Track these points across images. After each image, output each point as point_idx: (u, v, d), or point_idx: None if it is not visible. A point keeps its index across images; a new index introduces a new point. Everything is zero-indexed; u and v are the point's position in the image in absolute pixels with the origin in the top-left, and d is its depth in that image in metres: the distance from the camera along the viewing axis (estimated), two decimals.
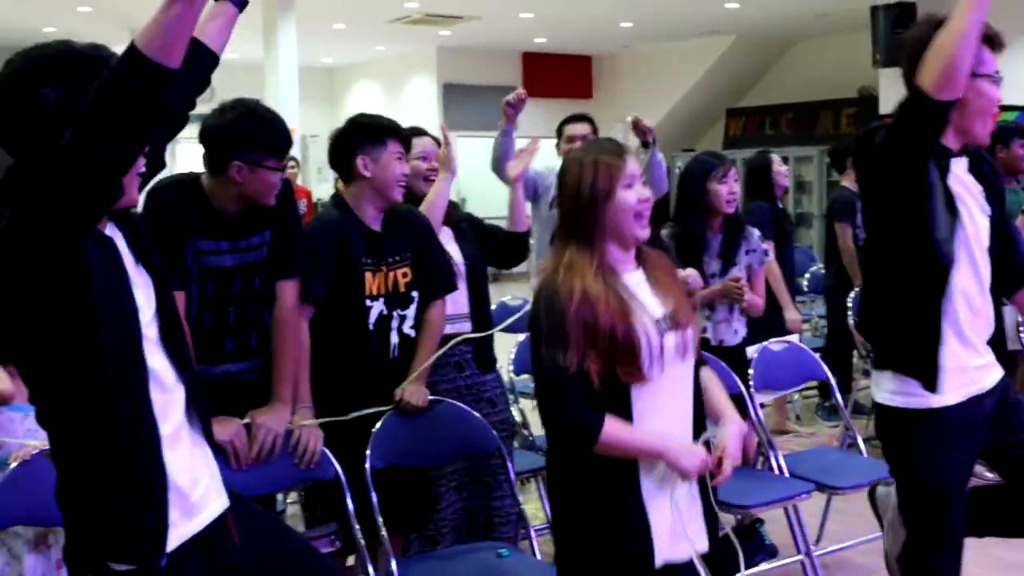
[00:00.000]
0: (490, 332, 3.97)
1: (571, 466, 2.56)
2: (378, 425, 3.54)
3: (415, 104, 17.84)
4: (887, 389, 3.08)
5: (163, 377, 2.13)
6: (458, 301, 3.93)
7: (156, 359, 2.12)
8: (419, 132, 4.13)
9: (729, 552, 2.69)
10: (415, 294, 3.69)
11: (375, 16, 14.15)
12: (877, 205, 3.09)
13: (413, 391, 3.58)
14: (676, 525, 2.52)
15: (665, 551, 2.51)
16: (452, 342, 3.78)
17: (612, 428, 2.44)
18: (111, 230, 2.10)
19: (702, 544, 2.61)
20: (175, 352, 2.18)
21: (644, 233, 2.59)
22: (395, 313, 3.64)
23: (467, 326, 3.95)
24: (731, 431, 2.62)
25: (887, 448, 3.16)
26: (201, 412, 2.25)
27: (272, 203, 3.26)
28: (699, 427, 2.63)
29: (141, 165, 2.08)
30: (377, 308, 3.60)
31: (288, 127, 3.29)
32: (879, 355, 3.14)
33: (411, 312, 3.68)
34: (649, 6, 13.59)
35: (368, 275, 3.58)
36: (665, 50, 16.98)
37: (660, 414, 2.53)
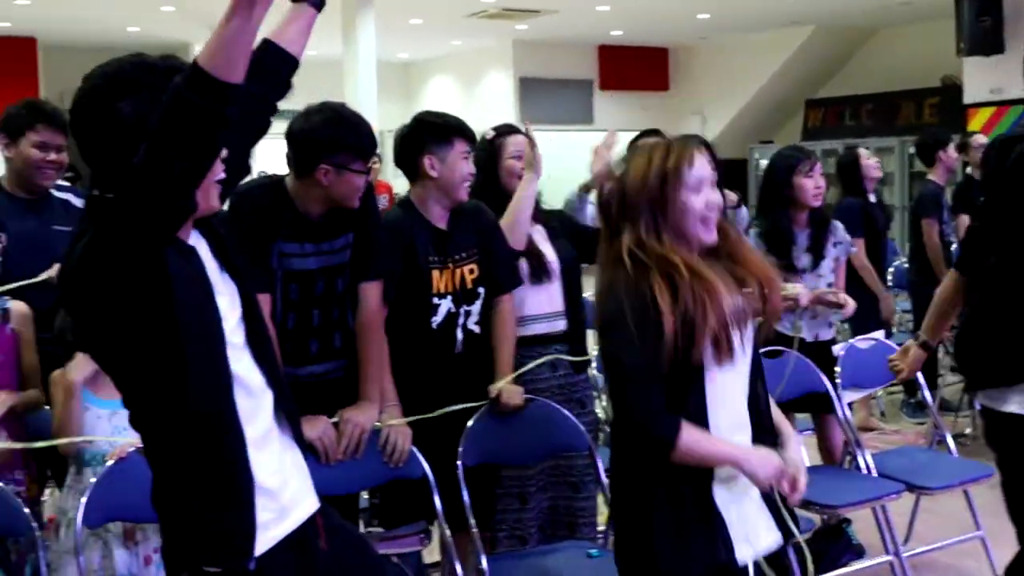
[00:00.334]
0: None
1: (642, 466, 2.48)
2: (470, 423, 3.57)
3: (491, 98, 17.89)
4: (1018, 402, 3.03)
5: (249, 381, 2.16)
6: (553, 299, 3.92)
7: (242, 364, 2.15)
8: (513, 130, 4.08)
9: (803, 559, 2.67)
10: (481, 290, 3.72)
11: (452, 11, 14.20)
12: (1010, 219, 3.02)
13: (511, 391, 3.62)
14: (746, 528, 2.50)
15: (739, 553, 2.47)
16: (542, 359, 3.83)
17: (689, 436, 2.37)
18: (195, 238, 2.14)
19: (770, 543, 2.56)
20: (262, 357, 2.21)
21: (710, 237, 2.49)
22: (462, 310, 3.67)
23: (562, 323, 3.95)
24: (796, 447, 2.61)
25: (1012, 459, 3.11)
26: (290, 414, 2.28)
27: (356, 206, 3.29)
28: (756, 422, 2.57)
29: (220, 172, 2.10)
30: (445, 305, 3.64)
31: (372, 128, 3.32)
32: (1010, 369, 3.08)
33: (476, 308, 3.71)
34: None
35: (435, 273, 3.61)
36: (743, 41, 16.83)
37: (725, 404, 2.48)
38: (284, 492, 2.20)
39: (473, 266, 3.69)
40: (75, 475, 3.40)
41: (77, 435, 3.33)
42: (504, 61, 17.63)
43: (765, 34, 16.29)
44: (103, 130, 1.98)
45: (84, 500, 3.09)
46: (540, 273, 3.90)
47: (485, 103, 17.95)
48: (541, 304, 3.88)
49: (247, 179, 3.50)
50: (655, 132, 5.15)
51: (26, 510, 3.09)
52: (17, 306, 3.43)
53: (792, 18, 15.02)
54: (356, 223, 3.35)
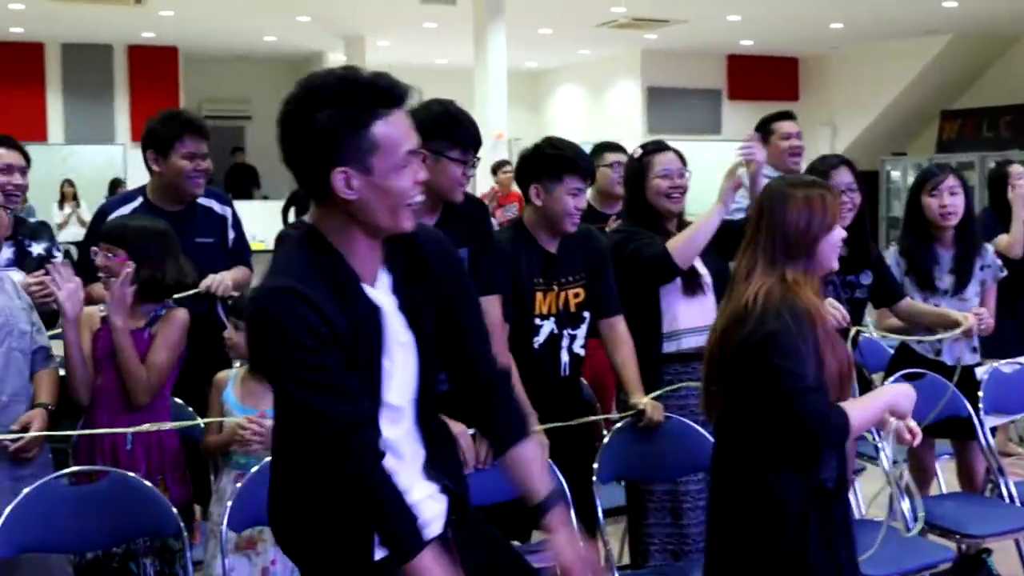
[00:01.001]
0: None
1: (790, 479, 2.72)
2: (607, 439, 3.59)
3: (618, 107, 17.87)
4: None
5: (400, 448, 2.19)
6: (706, 312, 3.84)
7: (397, 429, 2.19)
8: (661, 148, 4.01)
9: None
10: (587, 314, 3.73)
11: (582, 21, 14.24)
12: None
13: (655, 407, 3.63)
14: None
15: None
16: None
17: (853, 414, 2.66)
18: (382, 281, 2.17)
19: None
20: (425, 417, 2.27)
21: (836, 266, 2.85)
22: (565, 332, 3.68)
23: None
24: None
25: None
26: (442, 468, 2.30)
27: (459, 199, 3.30)
28: None
29: (415, 194, 2.13)
30: (547, 327, 3.65)
31: (478, 127, 3.34)
32: None
33: (581, 332, 3.72)
34: (861, 6, 13.25)
35: (539, 295, 3.63)
36: (876, 50, 16.50)
37: None
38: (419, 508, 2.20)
39: (579, 290, 3.70)
40: (217, 480, 3.52)
41: (218, 434, 3.46)
42: (632, 70, 17.59)
43: (899, 43, 15.95)
44: (300, 137, 2.04)
45: (229, 504, 3.18)
46: (693, 286, 3.87)
47: (612, 112, 17.94)
48: (693, 317, 3.84)
49: None
50: (789, 115, 5.14)
51: (175, 511, 3.19)
52: (172, 311, 3.53)
53: (929, 27, 14.69)
54: (474, 239, 3.39)
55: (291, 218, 13.96)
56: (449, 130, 3.23)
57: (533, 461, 2.35)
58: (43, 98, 16.18)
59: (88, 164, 16.25)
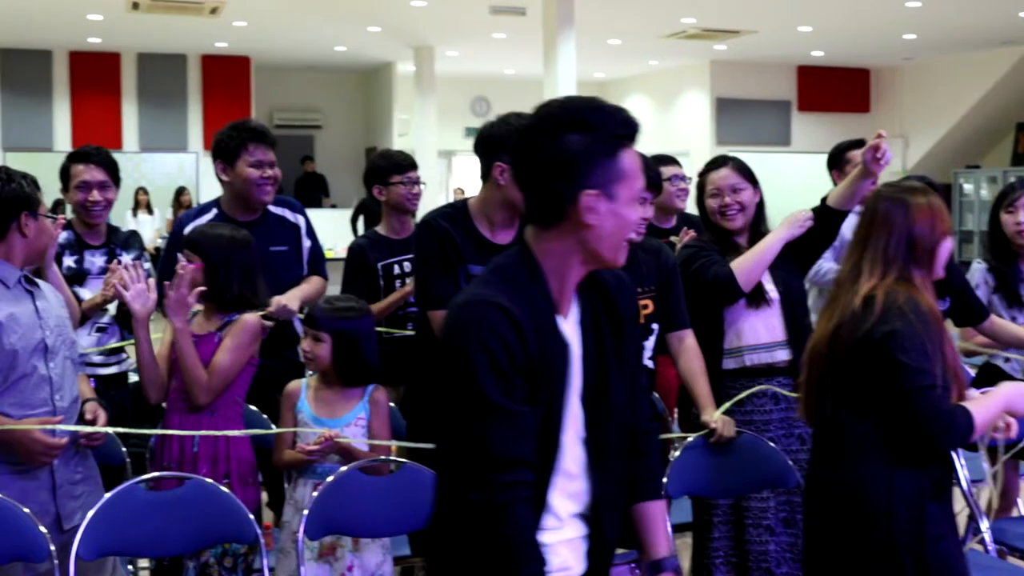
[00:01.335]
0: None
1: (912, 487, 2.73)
2: (676, 454, 3.58)
3: (687, 119, 17.80)
4: None
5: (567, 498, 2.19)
6: (772, 327, 3.82)
7: (568, 458, 2.18)
8: (716, 165, 3.96)
9: None
10: (655, 327, 3.72)
11: (651, 31, 14.21)
12: None
13: (727, 422, 3.61)
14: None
15: None
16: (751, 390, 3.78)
17: (976, 412, 2.69)
18: (573, 317, 2.18)
19: None
20: (598, 450, 2.23)
21: (943, 274, 2.91)
22: None
23: (783, 353, 3.83)
24: None
25: None
26: (598, 472, 2.27)
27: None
28: None
29: (633, 230, 2.21)
30: None
31: None
32: None
33: (649, 344, 3.71)
34: (936, 17, 13.08)
35: None
36: (950, 62, 16.28)
37: None
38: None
39: (648, 302, 3.69)
40: (291, 488, 3.55)
41: (290, 446, 3.49)
42: (701, 81, 17.51)
43: (974, 54, 15.73)
44: (549, 158, 2.07)
45: (305, 513, 3.21)
46: (758, 300, 3.83)
47: (680, 123, 17.87)
48: (758, 332, 3.80)
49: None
50: (859, 143, 5.07)
51: (251, 516, 3.23)
52: (243, 317, 3.55)
53: (1005, 38, 14.46)
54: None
55: (360, 227, 14.07)
56: None
57: (661, 520, 2.38)
58: (119, 107, 16.47)
59: (161, 172, 16.54)
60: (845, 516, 2.77)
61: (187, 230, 3.99)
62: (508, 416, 2.00)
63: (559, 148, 2.05)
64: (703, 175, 3.97)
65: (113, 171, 4.24)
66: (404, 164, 4.64)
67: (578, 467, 2.19)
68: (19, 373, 3.04)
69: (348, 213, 14.06)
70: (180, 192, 15.05)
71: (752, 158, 4.06)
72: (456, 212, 3.54)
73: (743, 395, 3.75)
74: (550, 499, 2.13)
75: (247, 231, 3.73)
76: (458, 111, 18.79)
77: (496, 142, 3.36)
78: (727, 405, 3.66)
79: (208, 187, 16.28)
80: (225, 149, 4.13)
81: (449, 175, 19.62)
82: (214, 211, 4.20)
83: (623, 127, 2.09)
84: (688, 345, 3.75)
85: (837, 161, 5.21)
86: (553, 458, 2.11)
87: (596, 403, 2.19)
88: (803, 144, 17.22)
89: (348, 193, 17.96)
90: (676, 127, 17.90)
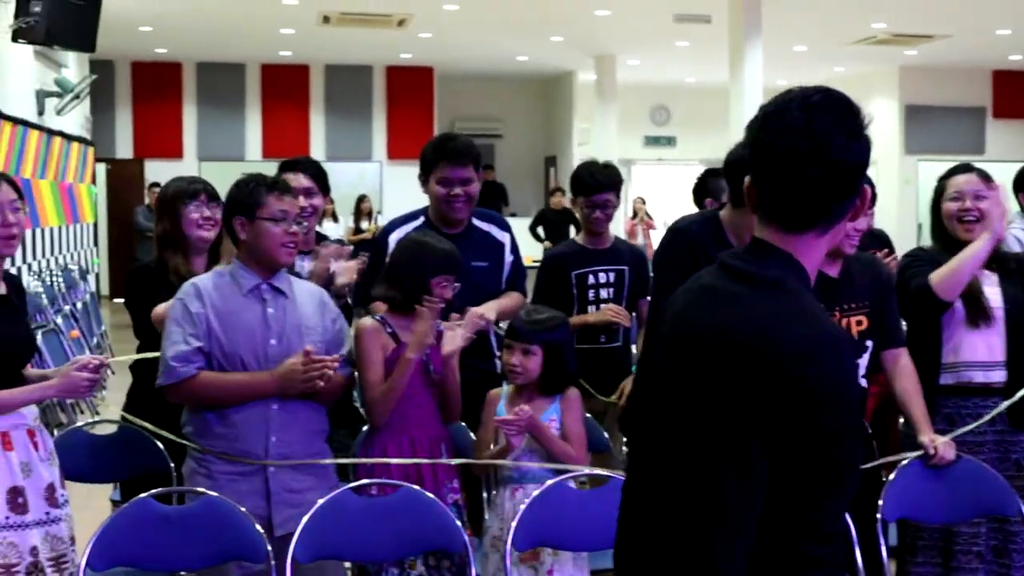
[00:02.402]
0: None
1: None
2: (892, 476, 3.45)
3: (873, 126, 16.94)
4: None
5: None
6: (992, 347, 3.66)
7: None
8: (959, 170, 3.82)
9: None
10: (869, 344, 3.56)
11: (840, 37, 13.90)
12: None
13: (947, 445, 3.47)
14: None
15: None
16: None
17: None
18: None
19: None
20: None
21: None
22: None
23: (1000, 374, 3.67)
24: None
25: None
26: None
27: (848, 251, 3.26)
28: None
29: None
30: None
31: None
32: None
33: (863, 361, 3.56)
34: None
35: None
36: None
37: None
38: None
39: (862, 318, 3.55)
40: (496, 494, 3.56)
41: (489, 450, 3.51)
42: (889, 88, 17.02)
43: None
44: (846, 163, 1.82)
45: (513, 525, 3.21)
46: (977, 317, 3.67)
47: (867, 131, 17.40)
48: (977, 351, 3.64)
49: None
50: None
51: (459, 523, 3.24)
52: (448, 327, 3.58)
53: None
54: None
55: (541, 234, 14.16)
56: None
57: None
58: (307, 117, 16.98)
59: (345, 181, 16.96)
60: None
61: (394, 236, 4.07)
62: (851, 480, 1.76)
63: (858, 154, 1.81)
64: (944, 179, 3.84)
65: (320, 179, 4.33)
66: (604, 184, 4.61)
67: None
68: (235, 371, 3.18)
69: (527, 222, 14.32)
70: (361, 199, 15.41)
71: (944, 168, 3.89)
72: (708, 222, 3.46)
73: (972, 426, 3.58)
74: None
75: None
76: (637, 120, 18.72)
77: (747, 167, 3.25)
78: (961, 431, 3.50)
79: (391, 195, 16.63)
80: (423, 163, 4.18)
81: (629, 184, 19.57)
82: (421, 219, 4.25)
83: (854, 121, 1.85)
84: (903, 364, 3.61)
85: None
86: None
87: None
88: (998, 152, 16.55)
89: (527, 202, 18.11)
90: None
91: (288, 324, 3.27)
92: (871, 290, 3.58)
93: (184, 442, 3.33)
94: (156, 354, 3.36)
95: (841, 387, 1.71)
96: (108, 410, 5.73)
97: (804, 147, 1.79)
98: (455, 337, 3.51)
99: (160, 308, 3.55)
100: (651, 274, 4.55)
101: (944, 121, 16.83)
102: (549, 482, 3.33)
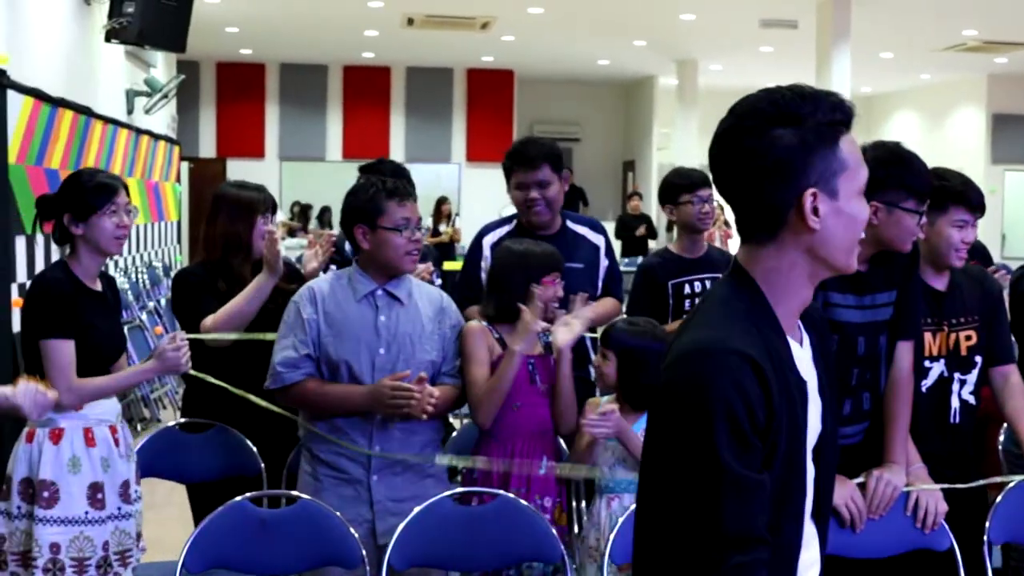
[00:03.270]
0: None
1: None
2: (1000, 498, 3.35)
3: (958, 135, 17.01)
4: None
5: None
6: None
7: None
8: None
9: None
10: (978, 359, 3.46)
11: (928, 44, 13.64)
12: None
13: None
14: None
15: None
16: None
17: None
18: (806, 345, 1.93)
19: None
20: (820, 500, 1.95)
21: None
22: (955, 376, 3.43)
23: None
24: None
25: None
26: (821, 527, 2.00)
27: (908, 249, 3.15)
28: None
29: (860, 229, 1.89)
30: (937, 369, 3.41)
31: (926, 166, 3.15)
32: None
33: (972, 377, 3.46)
34: None
35: (927, 335, 3.39)
36: None
37: None
38: None
39: (971, 333, 3.45)
40: (589, 504, 3.51)
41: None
42: (976, 96, 16.68)
43: None
44: (759, 159, 1.80)
45: (612, 535, 3.16)
46: None
47: (952, 140, 17.11)
48: None
49: None
50: None
51: (557, 537, 3.20)
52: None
53: None
54: (901, 281, 3.22)
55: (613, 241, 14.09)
56: (905, 180, 3.09)
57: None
58: (387, 118, 17.07)
59: (424, 182, 16.95)
60: None
61: (487, 240, 4.10)
62: (748, 487, 1.69)
63: (770, 146, 1.77)
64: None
65: (400, 179, 4.35)
66: (696, 182, 4.54)
67: (807, 529, 1.90)
68: (341, 379, 3.20)
69: (610, 226, 14.25)
70: (441, 202, 15.43)
71: None
72: None
73: None
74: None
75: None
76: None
77: (869, 180, 3.16)
78: None
79: (469, 197, 16.65)
80: (505, 170, 4.18)
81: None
82: (513, 223, 4.23)
83: (837, 111, 1.80)
84: (1013, 381, 3.51)
85: None
86: (800, 527, 1.84)
87: (826, 450, 1.92)
88: None
89: (605, 206, 18.02)
90: (947, 144, 17.10)
91: (400, 333, 3.25)
92: (980, 304, 3.49)
93: (257, 399, 3.48)
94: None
95: (700, 393, 1.69)
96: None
97: (717, 148, 1.83)
98: (572, 327, 3.42)
99: (208, 321, 3.67)
100: None
101: None
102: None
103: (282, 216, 13.36)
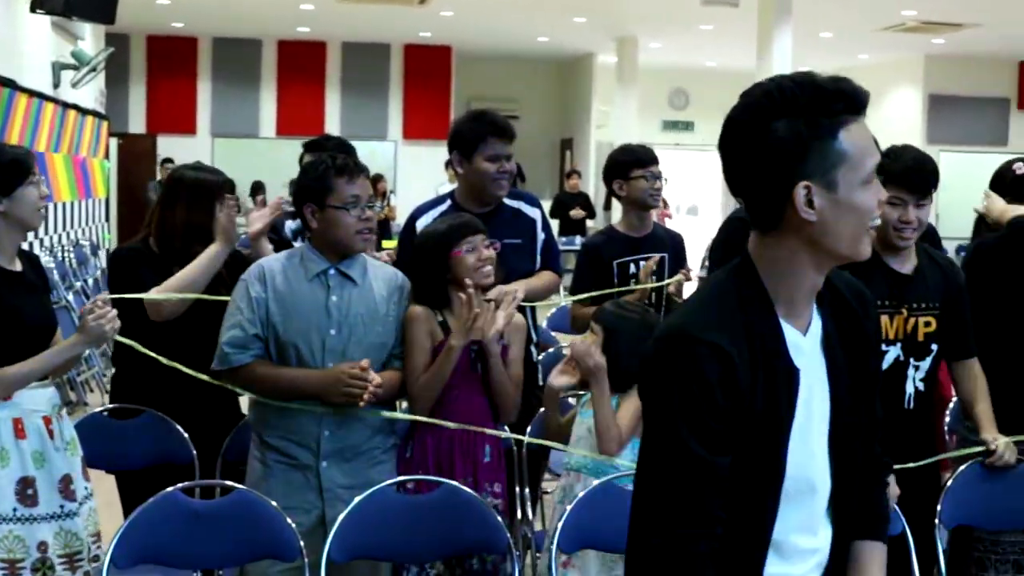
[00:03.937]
0: None
1: None
2: (950, 481, 3.31)
3: (895, 115, 17.15)
4: None
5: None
6: None
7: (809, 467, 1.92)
8: None
9: None
10: (935, 347, 3.40)
11: (867, 24, 13.72)
12: None
13: (1008, 445, 3.32)
14: None
15: None
16: None
17: None
18: (813, 332, 1.91)
19: None
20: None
21: None
22: (911, 361, 3.38)
23: None
24: None
25: None
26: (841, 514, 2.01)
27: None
28: None
29: (876, 217, 1.87)
30: (893, 353, 3.36)
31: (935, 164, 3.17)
32: None
33: (925, 365, 3.40)
34: None
35: (884, 318, 3.34)
36: None
37: None
38: None
39: (931, 319, 3.40)
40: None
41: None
42: (913, 76, 16.84)
43: None
44: (756, 150, 1.80)
45: (559, 524, 3.06)
46: None
47: (888, 119, 17.21)
48: None
49: None
50: None
51: (504, 527, 3.09)
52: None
53: None
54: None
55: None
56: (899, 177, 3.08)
57: (878, 569, 2.05)
58: (322, 94, 16.83)
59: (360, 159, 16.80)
60: None
61: (420, 222, 3.92)
62: (703, 468, 1.78)
63: (767, 138, 1.77)
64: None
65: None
66: (646, 158, 4.44)
67: (820, 505, 1.93)
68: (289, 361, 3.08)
69: (544, 205, 14.19)
70: (377, 179, 15.19)
71: (966, 159, 3.80)
72: None
73: None
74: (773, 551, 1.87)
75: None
76: (655, 104, 18.54)
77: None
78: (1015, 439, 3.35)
79: (405, 175, 16.47)
80: (464, 141, 3.98)
81: None
82: (448, 203, 4.09)
83: (841, 101, 1.78)
84: (973, 371, 3.46)
85: None
86: (771, 508, 1.85)
87: (844, 433, 1.92)
88: (1021, 144, 16.38)
89: (542, 184, 17.93)
90: (883, 124, 17.17)
91: (352, 314, 3.12)
92: (942, 292, 3.42)
93: (192, 372, 3.31)
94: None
95: (663, 376, 1.80)
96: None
97: (722, 138, 1.84)
98: (495, 317, 3.27)
99: (155, 291, 3.44)
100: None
101: (967, 112, 16.66)
102: (595, 482, 3.18)
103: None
